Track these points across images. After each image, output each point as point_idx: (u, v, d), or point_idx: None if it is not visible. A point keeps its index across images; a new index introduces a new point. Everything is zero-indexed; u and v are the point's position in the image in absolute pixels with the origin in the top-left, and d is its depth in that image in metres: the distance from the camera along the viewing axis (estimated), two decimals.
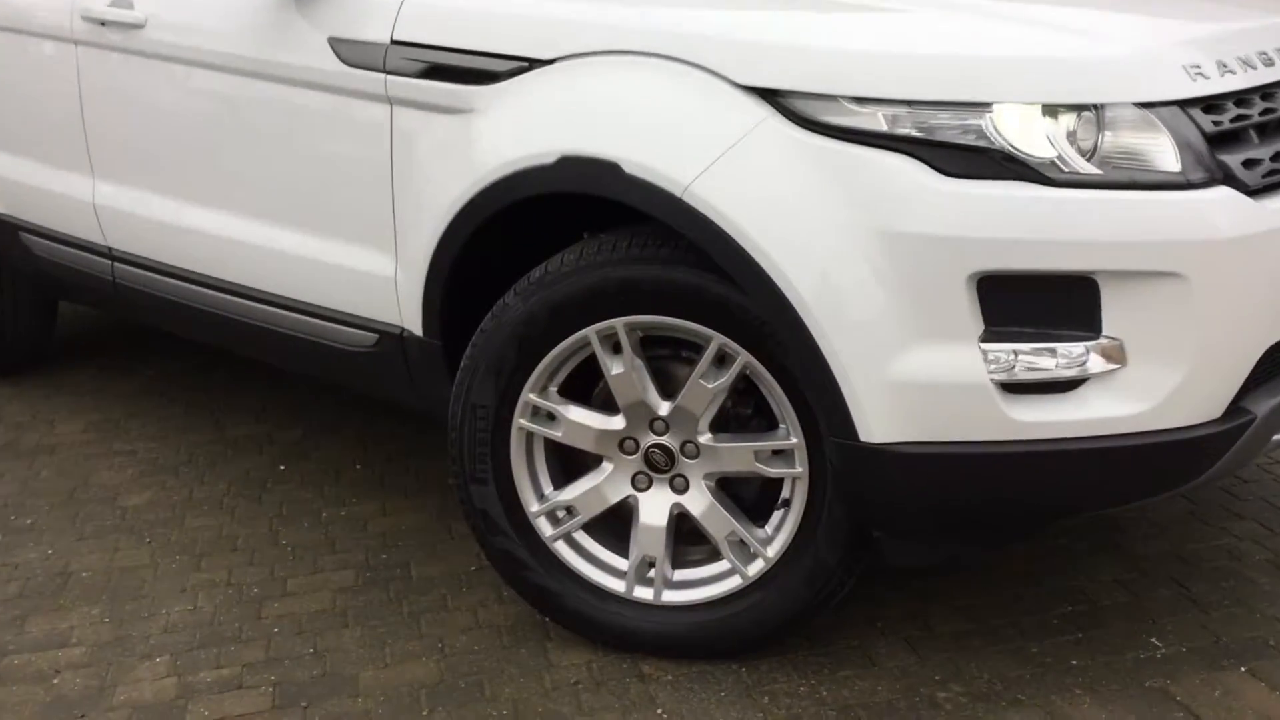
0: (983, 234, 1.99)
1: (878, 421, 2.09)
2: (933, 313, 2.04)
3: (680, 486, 2.43)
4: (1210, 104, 2.10)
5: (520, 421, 2.44)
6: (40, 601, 2.79)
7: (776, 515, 2.40)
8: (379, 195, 2.62)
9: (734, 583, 2.43)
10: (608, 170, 2.21)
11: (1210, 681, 2.40)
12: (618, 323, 2.30)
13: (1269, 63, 2.23)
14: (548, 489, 2.51)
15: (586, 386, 2.47)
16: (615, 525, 2.51)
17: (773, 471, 2.34)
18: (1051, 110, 2.02)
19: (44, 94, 3.37)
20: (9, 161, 3.56)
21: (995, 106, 2.01)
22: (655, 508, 2.44)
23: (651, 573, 2.48)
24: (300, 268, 2.85)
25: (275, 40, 2.72)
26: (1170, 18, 2.36)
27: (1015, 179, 2.00)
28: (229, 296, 3.02)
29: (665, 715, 2.35)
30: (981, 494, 2.17)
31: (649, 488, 2.45)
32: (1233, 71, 2.15)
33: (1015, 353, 2.04)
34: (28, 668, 2.55)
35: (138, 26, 3.02)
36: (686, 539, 2.49)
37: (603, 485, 2.46)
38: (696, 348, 2.32)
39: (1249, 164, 2.09)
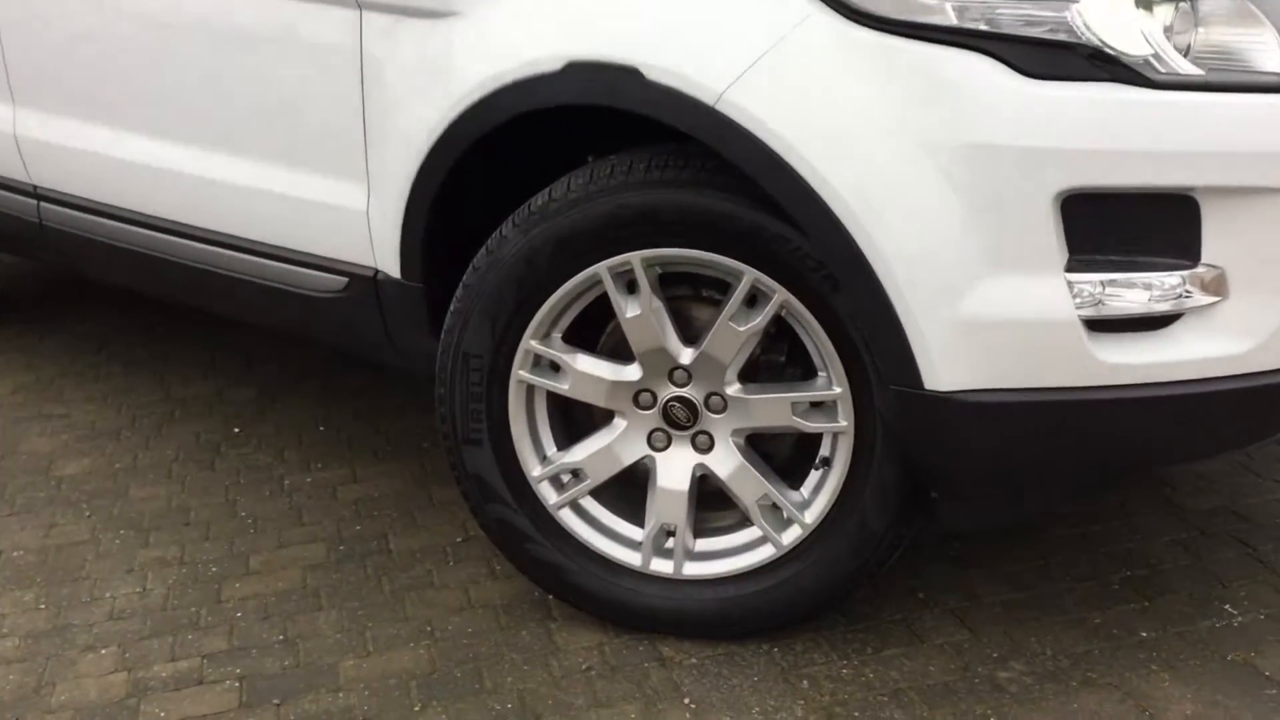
0: (1071, 144, 1.75)
1: (946, 366, 1.85)
2: (1012, 239, 1.79)
3: (704, 445, 2.16)
4: None
5: (520, 373, 2.17)
6: None
7: (814, 476, 2.15)
8: (347, 115, 2.32)
9: (766, 553, 2.18)
10: (626, 77, 1.92)
11: None
12: (634, 257, 2.02)
13: None
14: (551, 450, 2.24)
15: (591, 333, 2.20)
16: (628, 490, 2.25)
17: (812, 426, 2.07)
18: (1145, 0, 1.78)
19: None
20: None
21: None
22: (675, 469, 2.18)
23: (670, 543, 2.22)
24: (256, 202, 2.55)
25: None
26: None
27: (1106, 80, 1.75)
28: (172, 238, 2.74)
29: (693, 705, 2.08)
30: (1061, 447, 1.93)
31: (668, 447, 2.18)
32: None
33: (1104, 284, 1.81)
34: None
35: None
36: (707, 503, 2.24)
37: (615, 445, 2.19)
38: (721, 285, 2.06)
39: None
